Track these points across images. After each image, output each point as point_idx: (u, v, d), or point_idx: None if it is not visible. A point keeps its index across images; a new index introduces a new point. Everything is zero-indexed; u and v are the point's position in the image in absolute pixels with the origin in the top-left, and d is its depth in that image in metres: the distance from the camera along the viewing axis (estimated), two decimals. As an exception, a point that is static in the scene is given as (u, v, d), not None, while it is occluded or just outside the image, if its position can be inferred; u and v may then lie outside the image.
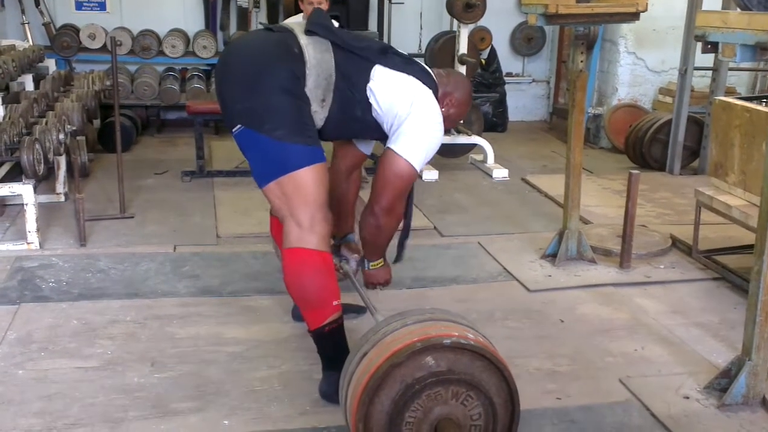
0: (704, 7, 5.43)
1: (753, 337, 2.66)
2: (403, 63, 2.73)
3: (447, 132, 3.02)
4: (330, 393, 2.66)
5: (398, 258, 3.29)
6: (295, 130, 2.55)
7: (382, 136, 2.77)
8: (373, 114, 2.68)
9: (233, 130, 2.65)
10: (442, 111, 2.76)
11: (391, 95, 2.65)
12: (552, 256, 4.10)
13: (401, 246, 3.21)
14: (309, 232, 2.56)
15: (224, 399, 2.72)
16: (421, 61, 3.15)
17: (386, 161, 2.67)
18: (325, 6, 4.61)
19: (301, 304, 2.68)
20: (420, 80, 2.71)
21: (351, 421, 2.15)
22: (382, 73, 2.67)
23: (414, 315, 2.28)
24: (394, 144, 2.64)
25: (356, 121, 2.70)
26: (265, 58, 2.60)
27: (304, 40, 2.61)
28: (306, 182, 2.56)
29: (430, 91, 2.72)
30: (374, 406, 2.10)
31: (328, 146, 2.86)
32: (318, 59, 2.59)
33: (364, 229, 2.86)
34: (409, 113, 2.63)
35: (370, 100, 2.65)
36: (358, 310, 3.29)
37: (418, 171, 2.71)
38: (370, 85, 2.65)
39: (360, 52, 2.67)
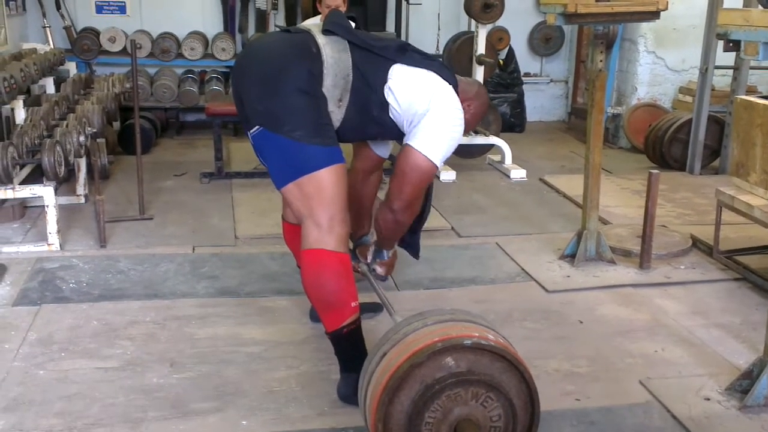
0: (725, 5, 5.38)
1: (775, 339, 2.63)
2: (422, 59, 2.72)
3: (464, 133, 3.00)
4: (348, 394, 2.66)
5: (416, 253, 3.31)
6: (314, 131, 2.55)
7: (398, 137, 2.76)
8: (391, 114, 2.67)
9: (251, 131, 2.65)
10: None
11: (411, 92, 2.64)
12: (571, 257, 4.07)
13: (416, 234, 3.24)
14: (328, 233, 2.56)
15: (243, 399, 2.73)
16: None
17: (405, 157, 2.66)
18: (343, 8, 4.62)
19: (318, 306, 2.68)
20: (440, 75, 2.70)
21: (370, 421, 2.15)
22: (400, 71, 2.66)
23: (434, 315, 2.28)
24: (412, 140, 2.63)
25: (373, 121, 2.69)
26: (283, 59, 2.60)
27: (321, 39, 2.61)
28: (325, 183, 2.56)
29: (450, 87, 2.71)
30: (394, 406, 2.10)
31: (348, 147, 2.87)
32: (336, 59, 2.59)
33: (382, 223, 2.88)
34: (428, 109, 2.61)
35: (389, 99, 2.64)
36: (375, 309, 3.29)
37: (438, 166, 2.69)
38: (389, 84, 2.64)
39: (378, 51, 2.66)
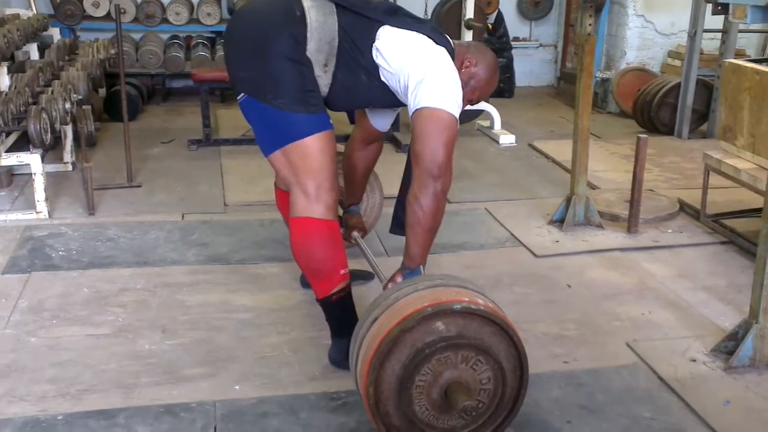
0: (714, -32, 5.35)
1: (760, 300, 2.67)
2: (413, 22, 2.65)
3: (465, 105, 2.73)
4: (339, 359, 2.68)
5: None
6: (298, 99, 2.52)
7: (391, 103, 2.71)
8: (382, 77, 2.60)
9: (238, 98, 2.64)
10: (462, 74, 2.65)
11: (401, 53, 2.55)
12: (559, 222, 4.10)
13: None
14: (315, 201, 2.55)
15: (235, 365, 2.75)
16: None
17: (422, 120, 2.46)
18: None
19: (308, 274, 2.69)
20: (431, 38, 2.62)
21: (362, 385, 2.17)
22: (389, 32, 2.59)
23: (425, 281, 2.29)
24: (422, 102, 2.47)
25: (363, 86, 2.63)
26: (266, 25, 2.55)
27: (307, 3, 2.56)
28: (311, 151, 2.54)
29: (443, 49, 2.62)
30: (385, 370, 2.12)
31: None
32: (320, 22, 2.53)
33: (427, 208, 2.47)
34: (425, 72, 2.49)
35: (377, 61, 2.57)
36: (366, 276, 3.31)
37: (456, 117, 2.48)
38: (376, 44, 2.56)
39: (366, 12, 2.59)
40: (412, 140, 2.53)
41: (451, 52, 2.67)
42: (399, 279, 2.60)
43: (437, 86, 2.49)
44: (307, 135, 2.53)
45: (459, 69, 2.67)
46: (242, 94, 2.62)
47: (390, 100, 2.68)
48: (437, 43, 2.63)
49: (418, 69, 2.51)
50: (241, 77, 2.62)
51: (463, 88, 2.64)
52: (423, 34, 2.62)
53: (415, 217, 2.51)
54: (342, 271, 2.63)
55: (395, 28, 2.60)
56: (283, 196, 3.07)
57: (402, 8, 2.73)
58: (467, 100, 2.73)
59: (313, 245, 2.58)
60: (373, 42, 2.57)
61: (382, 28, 2.59)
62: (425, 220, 2.50)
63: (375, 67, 2.59)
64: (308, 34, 2.51)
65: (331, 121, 2.62)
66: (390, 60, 2.56)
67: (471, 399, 2.15)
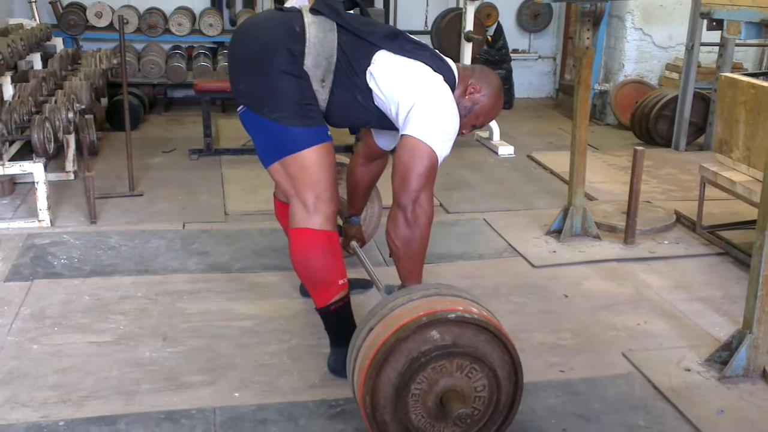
0: (711, -17, 5.41)
1: (754, 311, 2.70)
2: (412, 48, 2.61)
3: (468, 131, 2.73)
4: (338, 368, 2.72)
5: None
6: (295, 113, 2.54)
7: (389, 125, 2.68)
8: (376, 101, 2.59)
9: (238, 109, 2.69)
10: (465, 100, 2.66)
11: (393, 80, 2.54)
12: (557, 233, 4.13)
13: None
14: (314, 212, 2.58)
15: (235, 372, 2.78)
16: (427, 38, 3.06)
17: (401, 148, 2.48)
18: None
19: (307, 284, 2.72)
20: (429, 66, 2.59)
21: (358, 394, 2.20)
22: (385, 57, 2.57)
23: (420, 290, 2.32)
24: (405, 129, 2.49)
25: (359, 106, 2.62)
26: (266, 40, 2.57)
27: (309, 18, 2.58)
28: (309, 163, 2.56)
29: (440, 76, 2.59)
30: (381, 378, 2.15)
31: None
32: (320, 38, 2.54)
33: (395, 236, 2.50)
34: (414, 101, 2.48)
35: (371, 85, 2.57)
36: (365, 285, 3.34)
37: (438, 154, 2.47)
38: (371, 68, 2.56)
39: (364, 35, 2.58)
40: (394, 159, 2.52)
41: (452, 79, 2.65)
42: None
43: (424, 118, 2.47)
44: (305, 147, 2.56)
45: (462, 94, 2.67)
46: (242, 106, 2.66)
47: (387, 122, 2.66)
48: (435, 71, 2.59)
49: (408, 98, 2.50)
50: (240, 90, 2.66)
51: (466, 114, 2.67)
52: (421, 61, 2.58)
53: (391, 246, 2.55)
54: (341, 281, 2.66)
55: (392, 54, 2.58)
56: (282, 207, 3.11)
57: (403, 33, 2.67)
58: (470, 125, 2.74)
59: (312, 256, 2.61)
60: (368, 66, 2.56)
61: (378, 52, 2.58)
62: (396, 249, 2.53)
63: (369, 91, 2.59)
64: (306, 50, 2.53)
65: (329, 133, 2.64)
66: (382, 86, 2.56)
67: (466, 406, 2.18)
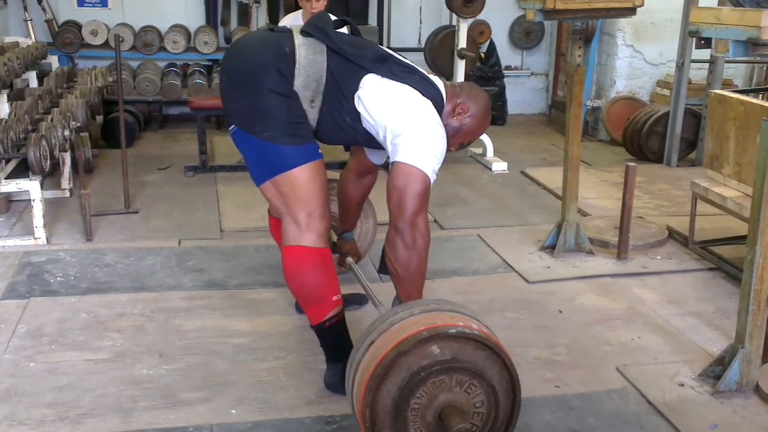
0: (700, 2, 5.49)
1: (746, 326, 2.73)
2: (401, 72, 2.61)
3: (455, 149, 2.79)
4: (334, 384, 2.73)
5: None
6: (285, 131, 2.55)
7: (376, 146, 2.71)
8: (364, 124, 2.61)
9: (230, 128, 2.71)
10: (453, 121, 2.69)
11: (381, 104, 2.56)
12: (551, 248, 4.16)
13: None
14: (306, 230, 2.60)
15: (231, 389, 2.79)
16: (420, 55, 3.05)
17: (395, 173, 2.51)
18: (323, 2, 4.66)
19: (301, 301, 2.74)
20: (417, 90, 2.60)
21: (358, 408, 2.21)
22: (373, 81, 2.58)
23: (420, 305, 2.34)
24: (396, 156, 2.52)
25: (348, 127, 2.64)
26: (256, 60, 2.59)
27: (299, 40, 2.60)
28: (300, 182, 2.58)
29: (429, 102, 2.60)
30: (381, 392, 2.17)
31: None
32: (309, 60, 2.56)
33: (394, 259, 2.55)
34: (404, 127, 2.50)
35: (359, 109, 2.58)
36: (360, 301, 3.36)
37: (430, 177, 2.53)
38: (359, 93, 2.57)
39: (354, 58, 2.59)
40: (388, 186, 2.54)
41: (440, 101, 2.66)
42: None
43: (414, 143, 2.50)
44: (296, 166, 2.57)
45: (450, 114, 2.70)
46: (233, 125, 2.68)
47: (375, 143, 2.68)
48: (424, 95, 2.61)
49: (397, 124, 2.52)
50: (231, 109, 2.69)
51: (454, 135, 2.70)
52: (409, 85, 2.59)
53: (391, 270, 2.59)
54: (334, 297, 2.67)
55: (380, 78, 2.59)
56: (277, 224, 3.12)
57: (393, 56, 2.67)
58: (458, 143, 2.78)
59: (304, 273, 2.62)
60: (356, 90, 2.58)
61: (366, 76, 2.59)
62: (396, 273, 2.58)
63: (357, 114, 2.61)
64: (296, 71, 2.55)
65: (320, 151, 2.66)
66: (371, 110, 2.57)
67: (465, 422, 2.19)
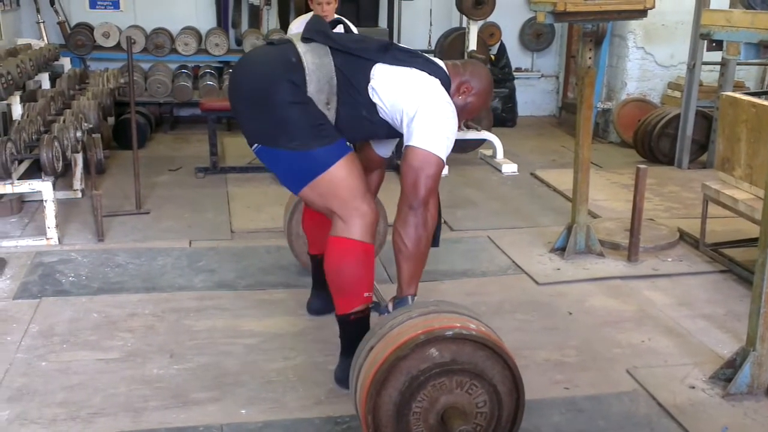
0: (711, 4, 5.46)
1: (757, 328, 2.72)
2: (406, 57, 2.69)
3: (459, 126, 2.90)
4: (344, 378, 2.72)
5: (436, 241, 3.17)
6: (311, 136, 2.60)
7: (395, 135, 2.76)
8: (381, 114, 2.66)
9: (252, 147, 2.73)
10: (458, 99, 2.74)
11: (394, 91, 2.62)
12: (561, 250, 4.16)
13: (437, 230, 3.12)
14: (352, 224, 2.63)
15: (241, 389, 2.80)
16: (431, 56, 3.09)
17: (410, 157, 2.58)
18: (334, 5, 4.68)
19: (333, 288, 2.75)
20: (424, 71, 2.67)
21: (361, 414, 2.22)
22: (382, 70, 2.64)
23: (418, 308, 2.35)
24: (410, 140, 2.58)
25: (366, 121, 2.69)
26: (265, 76, 2.63)
27: (302, 48, 2.64)
28: (337, 180, 2.62)
29: (437, 80, 2.68)
30: (382, 397, 2.17)
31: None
32: (317, 64, 2.60)
33: (406, 236, 2.60)
34: (417, 109, 2.57)
35: (374, 100, 2.63)
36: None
37: (443, 158, 2.60)
38: (372, 84, 2.62)
39: (358, 53, 2.64)
40: (402, 169, 2.63)
41: (447, 80, 2.73)
42: (390, 306, 2.73)
43: (428, 126, 2.57)
44: (330, 165, 2.61)
45: (456, 93, 2.76)
46: (256, 144, 2.70)
47: (393, 132, 2.74)
48: (431, 74, 2.68)
49: (411, 106, 2.59)
50: (251, 129, 2.72)
51: (460, 112, 2.75)
52: (415, 68, 2.67)
53: (397, 246, 2.64)
54: (366, 294, 2.70)
55: (388, 65, 2.65)
56: (309, 216, 3.19)
57: (394, 44, 2.77)
58: (464, 119, 2.86)
59: (346, 264, 2.65)
60: (369, 82, 2.63)
61: (375, 66, 2.64)
62: (406, 248, 2.62)
63: (373, 105, 2.65)
64: (307, 78, 2.59)
65: (348, 144, 2.70)
66: (385, 99, 2.63)
67: (468, 423, 2.19)
